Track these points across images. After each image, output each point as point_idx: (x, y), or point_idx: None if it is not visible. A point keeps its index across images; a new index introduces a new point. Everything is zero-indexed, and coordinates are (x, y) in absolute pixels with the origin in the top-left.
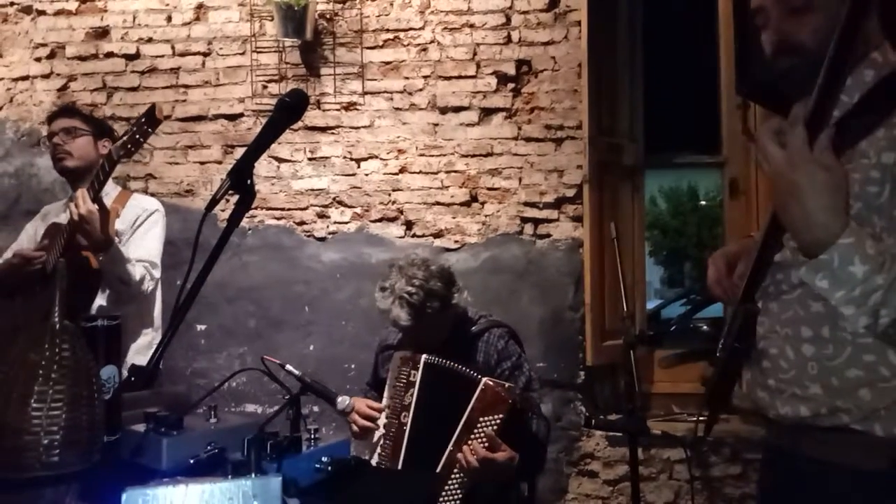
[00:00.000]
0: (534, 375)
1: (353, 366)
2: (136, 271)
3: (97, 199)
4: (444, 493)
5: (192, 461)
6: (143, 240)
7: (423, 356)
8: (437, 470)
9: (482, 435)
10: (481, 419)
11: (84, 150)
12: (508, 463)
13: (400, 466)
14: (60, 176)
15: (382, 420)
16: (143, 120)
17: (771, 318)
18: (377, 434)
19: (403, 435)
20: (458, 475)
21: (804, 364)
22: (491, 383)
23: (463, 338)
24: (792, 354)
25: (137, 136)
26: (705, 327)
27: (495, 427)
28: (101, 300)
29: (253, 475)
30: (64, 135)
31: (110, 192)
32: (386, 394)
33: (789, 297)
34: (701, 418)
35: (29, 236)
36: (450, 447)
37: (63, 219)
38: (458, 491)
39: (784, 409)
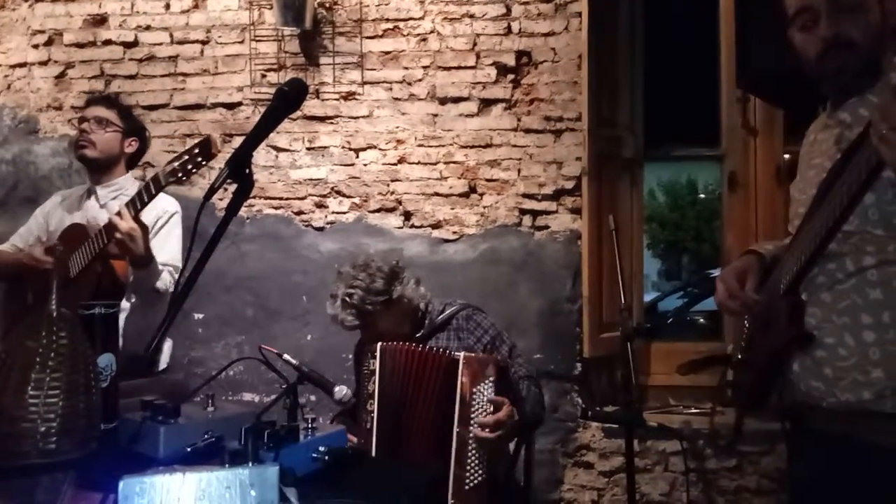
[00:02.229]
0: (515, 342)
1: (350, 356)
2: (165, 277)
3: (137, 216)
4: (467, 475)
5: (189, 449)
6: (165, 242)
7: (379, 343)
8: (452, 454)
9: (482, 403)
10: (475, 389)
11: (109, 145)
12: (512, 416)
13: (373, 454)
14: (78, 161)
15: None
16: (196, 151)
17: (823, 309)
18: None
19: (372, 422)
20: (474, 452)
21: (865, 350)
22: (470, 355)
23: (430, 328)
24: (852, 342)
25: (189, 166)
26: (702, 320)
27: (492, 388)
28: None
29: (250, 464)
30: (94, 124)
31: (130, 189)
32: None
33: (844, 287)
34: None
35: (39, 224)
36: (456, 429)
37: (79, 217)
38: (480, 467)
39: (844, 396)
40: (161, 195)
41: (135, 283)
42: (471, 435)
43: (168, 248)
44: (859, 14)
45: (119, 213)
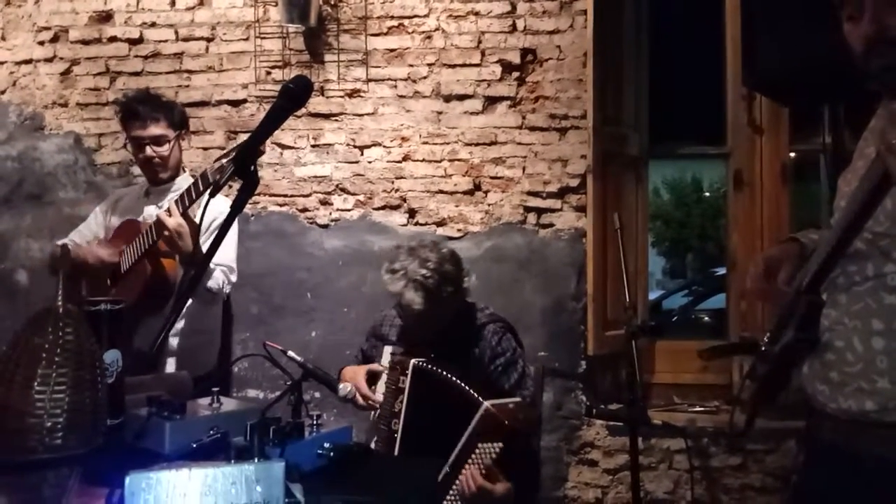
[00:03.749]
0: (528, 371)
1: (354, 353)
2: (217, 276)
3: (186, 213)
4: None
5: (194, 445)
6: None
7: (412, 361)
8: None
9: (480, 463)
10: (480, 445)
11: (174, 157)
12: (505, 495)
13: None
14: (146, 177)
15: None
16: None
17: (838, 310)
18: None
19: (395, 442)
20: (453, 497)
21: (873, 357)
22: (493, 409)
23: (462, 330)
24: (860, 347)
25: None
26: (706, 318)
27: (494, 455)
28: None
29: (256, 460)
30: (155, 145)
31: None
32: (380, 396)
33: (860, 289)
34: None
35: (98, 222)
36: (446, 469)
37: (136, 214)
38: None
39: (847, 403)
40: (219, 197)
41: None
42: (456, 484)
43: (223, 249)
44: None
45: (168, 210)
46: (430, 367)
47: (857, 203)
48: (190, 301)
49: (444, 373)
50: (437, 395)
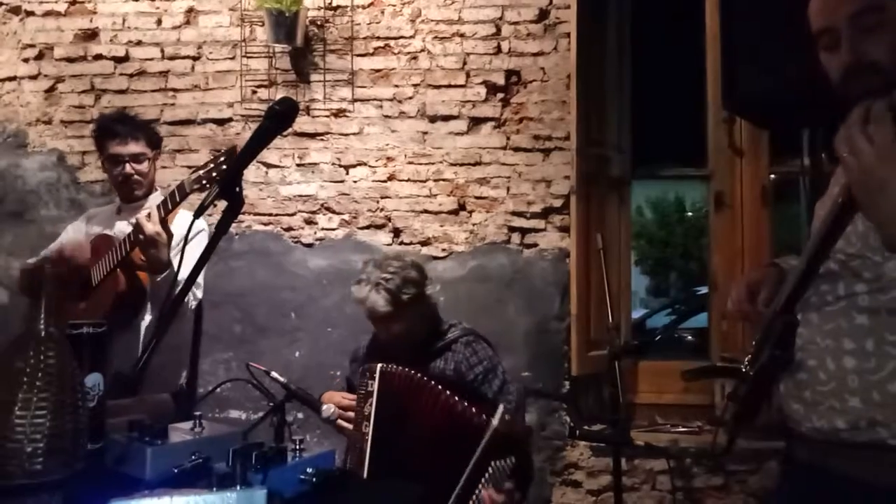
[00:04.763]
0: (508, 378)
1: (338, 373)
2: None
3: (164, 221)
4: None
5: (175, 471)
6: (190, 258)
7: (379, 364)
8: None
9: (495, 480)
10: (493, 464)
11: (150, 175)
12: (516, 497)
13: (365, 476)
14: (121, 195)
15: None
16: (221, 158)
17: (811, 330)
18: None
19: (366, 445)
20: None
21: (844, 377)
22: (501, 429)
23: (434, 345)
24: (832, 366)
25: (213, 174)
26: (689, 337)
27: (508, 471)
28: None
29: (238, 487)
30: (135, 163)
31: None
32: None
33: (832, 309)
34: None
35: (70, 239)
36: (458, 491)
37: (110, 229)
38: None
39: (820, 422)
40: (190, 212)
41: (154, 296)
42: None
43: (191, 263)
44: (884, 33)
45: (149, 215)
46: (396, 368)
47: (825, 226)
48: (150, 318)
49: (414, 372)
50: (405, 397)
